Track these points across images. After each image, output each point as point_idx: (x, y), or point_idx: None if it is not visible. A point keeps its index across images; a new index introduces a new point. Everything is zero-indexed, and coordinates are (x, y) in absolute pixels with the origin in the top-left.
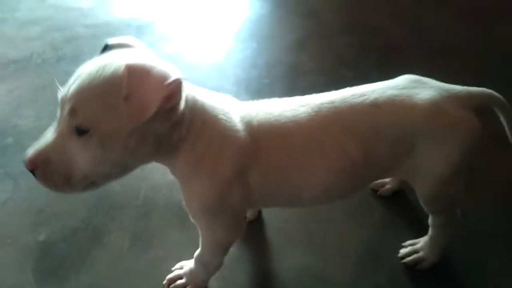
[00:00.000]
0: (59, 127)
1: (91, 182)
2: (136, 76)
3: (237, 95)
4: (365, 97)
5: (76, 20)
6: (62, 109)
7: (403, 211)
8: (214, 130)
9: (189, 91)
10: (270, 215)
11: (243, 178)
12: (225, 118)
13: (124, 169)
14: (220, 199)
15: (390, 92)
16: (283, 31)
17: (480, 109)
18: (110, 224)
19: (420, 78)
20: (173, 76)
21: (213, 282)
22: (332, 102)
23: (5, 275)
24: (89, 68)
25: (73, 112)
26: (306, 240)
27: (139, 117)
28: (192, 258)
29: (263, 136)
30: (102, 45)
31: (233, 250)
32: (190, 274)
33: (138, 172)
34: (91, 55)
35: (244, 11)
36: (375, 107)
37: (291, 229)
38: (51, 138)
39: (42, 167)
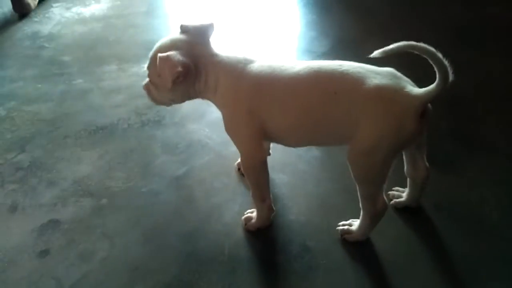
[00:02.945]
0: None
1: (167, 101)
2: (162, 63)
3: (307, 151)
4: (341, 66)
5: None
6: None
7: None
8: (226, 81)
9: (208, 60)
10: None
11: (253, 112)
12: (237, 73)
13: (175, 101)
14: (238, 124)
15: (358, 70)
16: None
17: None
18: (200, 280)
19: (397, 73)
20: (178, 68)
21: None
22: (318, 66)
23: None
24: (155, 48)
25: (147, 71)
26: None
27: (166, 87)
28: None
29: (263, 84)
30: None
31: None
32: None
33: (220, 228)
34: (171, 119)
35: None
36: (342, 74)
37: None
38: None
39: (147, 92)
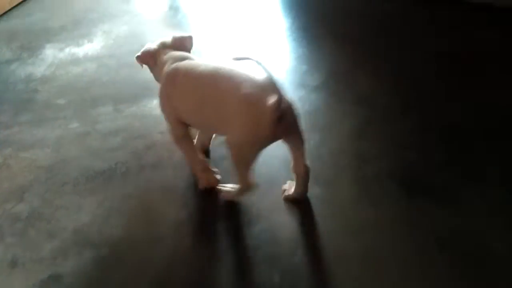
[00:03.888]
0: None
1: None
2: (141, 54)
3: None
4: (231, 71)
5: (152, 127)
6: None
7: None
8: (163, 71)
9: (162, 54)
10: None
11: (169, 97)
12: (170, 65)
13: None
14: (163, 104)
15: (243, 76)
16: (341, 120)
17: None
18: None
19: (275, 81)
20: (138, 54)
21: None
22: (217, 69)
23: None
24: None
25: None
26: None
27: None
28: None
29: (178, 76)
30: None
31: None
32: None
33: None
34: (170, 160)
35: (302, 104)
36: (229, 79)
37: None
38: None
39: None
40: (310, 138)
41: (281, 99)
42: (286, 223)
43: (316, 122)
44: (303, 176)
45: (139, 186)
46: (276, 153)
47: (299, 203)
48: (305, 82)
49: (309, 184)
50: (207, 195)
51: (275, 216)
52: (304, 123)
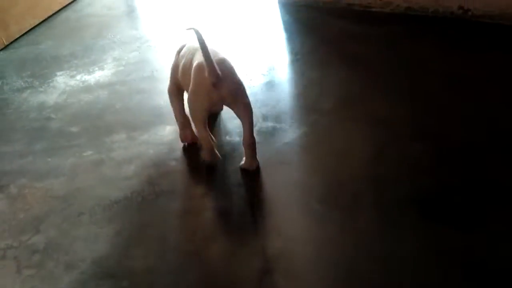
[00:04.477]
0: None
1: None
2: None
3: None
4: (195, 50)
5: (166, 155)
6: None
7: None
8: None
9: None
10: None
11: (176, 63)
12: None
13: None
14: (172, 66)
15: (199, 53)
16: (357, 143)
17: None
18: None
19: (226, 60)
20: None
21: None
22: (195, 48)
23: None
24: None
25: None
26: None
27: None
28: None
29: (183, 50)
30: None
31: None
32: None
33: None
34: (185, 189)
35: (316, 129)
36: (193, 55)
37: None
38: None
39: None
40: (327, 163)
41: (215, 71)
42: (306, 254)
43: (332, 146)
44: (247, 148)
45: (156, 214)
46: None
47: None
48: (318, 106)
49: (329, 211)
50: (222, 227)
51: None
52: (321, 148)
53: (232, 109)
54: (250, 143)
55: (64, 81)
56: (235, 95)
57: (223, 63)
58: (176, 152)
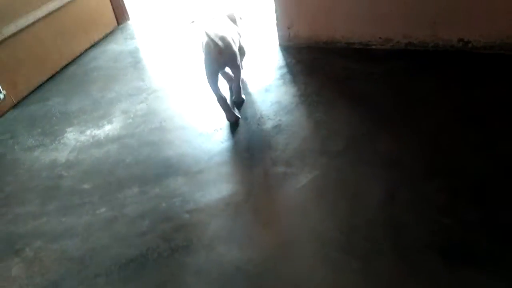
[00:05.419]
0: None
1: None
2: None
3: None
4: (207, 28)
5: (178, 208)
6: None
7: None
8: None
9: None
10: None
11: None
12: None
13: None
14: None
15: (211, 30)
16: (369, 186)
17: None
18: None
19: (227, 38)
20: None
21: None
22: (209, 25)
23: None
24: None
25: None
26: None
27: None
28: None
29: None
30: None
31: None
32: None
33: None
34: (200, 242)
35: (327, 172)
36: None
37: None
38: None
39: None
40: (341, 207)
41: (220, 46)
42: None
43: (344, 190)
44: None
45: (171, 272)
46: None
47: None
48: (327, 148)
49: (347, 259)
50: (239, 285)
51: None
52: (333, 193)
53: (230, 69)
54: (239, 102)
55: (74, 137)
56: (231, 60)
57: (224, 40)
58: (189, 205)
